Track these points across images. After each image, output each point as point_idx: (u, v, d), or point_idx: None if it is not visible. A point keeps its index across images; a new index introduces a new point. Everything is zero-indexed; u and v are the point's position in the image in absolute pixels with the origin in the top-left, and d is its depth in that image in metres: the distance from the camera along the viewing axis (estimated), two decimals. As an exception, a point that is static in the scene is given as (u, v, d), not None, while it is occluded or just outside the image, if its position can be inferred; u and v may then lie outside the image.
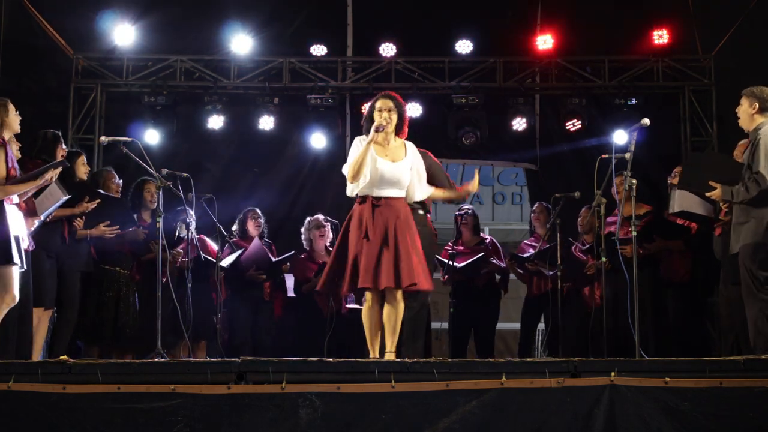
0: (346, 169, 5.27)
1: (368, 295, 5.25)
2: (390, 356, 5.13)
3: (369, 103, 5.44)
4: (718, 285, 6.51)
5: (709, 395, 4.26)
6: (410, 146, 5.41)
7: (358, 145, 5.27)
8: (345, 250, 5.24)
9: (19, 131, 5.43)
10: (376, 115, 5.29)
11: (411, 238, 5.21)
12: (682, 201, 6.30)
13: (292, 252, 7.79)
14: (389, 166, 5.24)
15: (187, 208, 6.83)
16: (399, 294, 5.17)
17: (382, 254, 5.11)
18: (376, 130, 5.22)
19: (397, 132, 5.36)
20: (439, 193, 5.61)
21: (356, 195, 5.30)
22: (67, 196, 5.72)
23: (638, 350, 5.47)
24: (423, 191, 5.42)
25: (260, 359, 4.50)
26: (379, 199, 5.22)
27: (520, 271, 7.98)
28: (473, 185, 5.60)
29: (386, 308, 5.19)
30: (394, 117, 5.30)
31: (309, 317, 7.72)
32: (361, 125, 5.44)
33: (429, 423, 4.20)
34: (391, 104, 5.31)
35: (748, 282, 5.44)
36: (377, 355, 5.23)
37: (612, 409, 4.22)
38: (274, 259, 7.65)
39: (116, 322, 6.73)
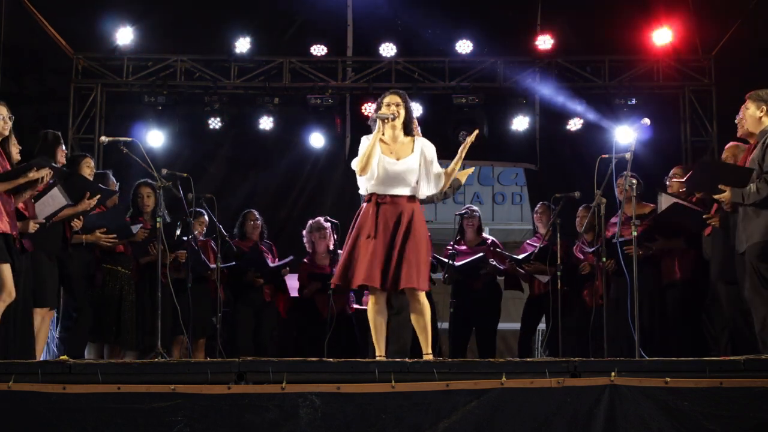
0: (355, 163, 5.20)
1: (372, 295, 5.22)
2: (427, 357, 5.06)
3: (377, 102, 5.35)
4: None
5: (709, 395, 4.25)
6: (420, 143, 5.28)
7: (365, 142, 5.19)
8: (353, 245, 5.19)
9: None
10: (384, 109, 5.22)
11: (416, 238, 5.11)
12: (669, 201, 6.32)
13: (290, 258, 7.78)
14: (393, 163, 5.16)
15: (187, 208, 6.81)
16: (420, 295, 5.10)
17: (388, 254, 5.06)
18: (383, 119, 5.14)
19: (406, 130, 5.27)
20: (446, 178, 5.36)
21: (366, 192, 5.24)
22: (69, 203, 5.70)
23: (638, 350, 5.47)
24: (430, 188, 5.27)
25: (260, 359, 4.50)
26: (383, 197, 5.16)
27: (522, 271, 7.98)
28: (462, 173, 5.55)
29: (411, 311, 5.14)
30: (402, 112, 5.23)
31: (310, 318, 7.73)
32: (361, 125, 5.39)
33: (429, 423, 4.19)
34: (398, 99, 5.25)
35: (755, 281, 5.37)
36: (383, 354, 5.21)
37: (612, 409, 4.21)
38: (272, 265, 7.64)
39: (119, 321, 6.72)
